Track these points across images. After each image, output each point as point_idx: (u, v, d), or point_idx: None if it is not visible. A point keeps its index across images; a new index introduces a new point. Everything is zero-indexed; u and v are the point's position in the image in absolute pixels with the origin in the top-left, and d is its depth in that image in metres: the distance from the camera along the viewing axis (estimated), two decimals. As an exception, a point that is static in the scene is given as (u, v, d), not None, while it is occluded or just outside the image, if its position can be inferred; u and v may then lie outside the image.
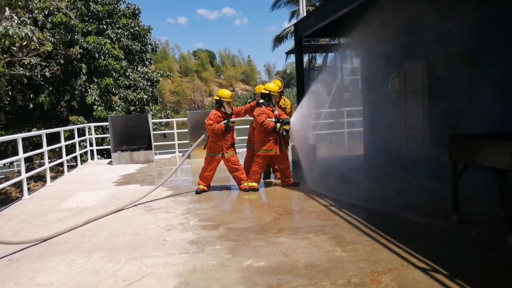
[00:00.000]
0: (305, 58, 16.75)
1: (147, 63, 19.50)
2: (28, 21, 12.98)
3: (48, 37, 13.52)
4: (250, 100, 7.83)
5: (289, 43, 29.04)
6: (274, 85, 6.91)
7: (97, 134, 13.72)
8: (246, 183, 6.79)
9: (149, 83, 17.76)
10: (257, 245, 4.18)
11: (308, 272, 3.47)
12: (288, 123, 6.91)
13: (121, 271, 3.69)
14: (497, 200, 4.60)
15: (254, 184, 6.78)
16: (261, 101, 6.85)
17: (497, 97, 5.47)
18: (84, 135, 12.57)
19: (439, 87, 6.76)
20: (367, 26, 6.96)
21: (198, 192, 6.77)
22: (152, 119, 13.76)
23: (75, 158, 11.55)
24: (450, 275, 3.25)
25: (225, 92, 6.85)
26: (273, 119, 6.70)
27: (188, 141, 11.63)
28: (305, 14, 9.60)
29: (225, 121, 6.68)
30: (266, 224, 4.92)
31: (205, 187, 6.85)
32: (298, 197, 6.33)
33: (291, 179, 7.04)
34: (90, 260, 4.02)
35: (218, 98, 6.81)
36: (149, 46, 19.81)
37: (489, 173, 4.18)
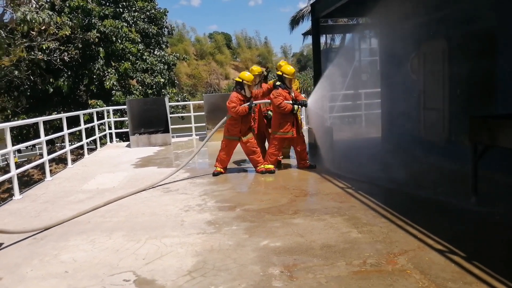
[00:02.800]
0: (323, 39, 16.49)
1: (164, 46, 19.48)
2: (46, 5, 13.09)
3: (66, 21, 13.63)
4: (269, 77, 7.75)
5: (307, 25, 28.66)
6: (289, 68, 6.85)
7: (115, 117, 13.91)
8: (262, 166, 6.81)
9: (165, 67, 17.78)
10: (273, 226, 4.23)
11: (324, 252, 3.50)
12: (306, 105, 6.89)
13: (141, 250, 3.79)
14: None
15: (271, 166, 6.81)
16: (278, 83, 6.83)
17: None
18: (103, 118, 12.77)
19: (460, 68, 6.59)
20: (386, 5, 6.80)
21: (215, 174, 6.83)
22: (169, 102, 13.85)
23: (94, 141, 11.76)
24: (467, 257, 3.23)
25: (247, 75, 6.77)
26: (290, 101, 6.67)
27: (204, 124, 11.70)
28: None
29: (249, 103, 6.69)
30: (282, 206, 4.95)
31: (222, 169, 6.91)
32: (314, 179, 6.34)
33: (308, 161, 7.04)
34: (111, 239, 4.14)
35: (240, 80, 6.72)
36: (165, 29, 19.75)
37: (510, 155, 4.10)
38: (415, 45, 7.72)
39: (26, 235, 4.34)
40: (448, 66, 6.91)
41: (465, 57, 6.42)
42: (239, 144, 6.90)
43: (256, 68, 7.48)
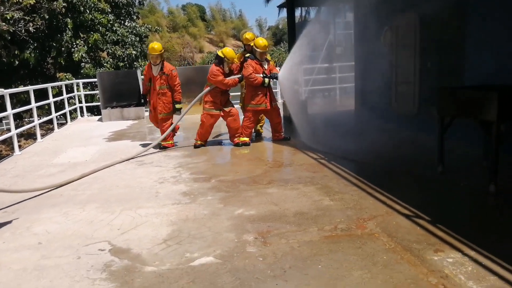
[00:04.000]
0: (298, 12, 16.37)
1: (135, 17, 18.88)
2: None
3: (30, -11, 12.97)
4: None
5: (281, -3, 28.24)
6: (261, 41, 6.81)
7: (86, 91, 13.53)
8: (237, 138, 6.84)
9: (137, 39, 17.29)
10: (248, 196, 4.30)
11: (297, 219, 3.61)
12: (276, 77, 6.90)
13: (116, 221, 3.79)
14: (483, 150, 4.74)
15: (246, 139, 6.84)
16: (247, 55, 6.82)
17: (489, 52, 5.47)
18: (73, 92, 12.40)
19: (431, 41, 6.72)
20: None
21: (196, 146, 6.82)
22: (142, 75, 13.54)
23: (64, 115, 11.45)
24: (432, 221, 3.40)
25: (230, 53, 6.66)
26: (261, 74, 6.66)
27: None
28: (297, -35, 9.27)
29: (239, 76, 6.70)
30: (257, 176, 5.02)
31: (202, 142, 6.90)
32: (288, 151, 6.43)
33: (282, 133, 7.10)
34: (84, 211, 4.11)
35: (222, 56, 6.61)
36: (136, -1, 19.12)
37: (475, 126, 4.27)
38: (388, 18, 7.78)
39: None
40: (419, 40, 7.02)
41: (435, 30, 6.53)
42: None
43: (246, 34, 7.31)
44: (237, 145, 6.80)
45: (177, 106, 6.97)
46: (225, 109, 6.73)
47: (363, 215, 3.62)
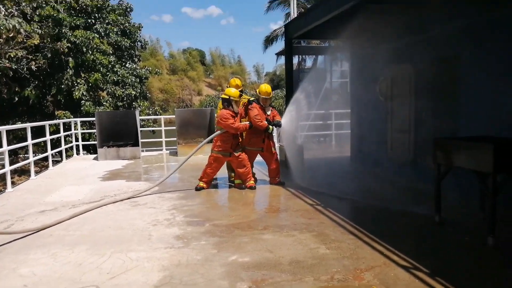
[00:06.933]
0: (295, 60, 16.83)
1: (136, 59, 19.35)
2: (16, 13, 12.78)
3: (36, 30, 13.34)
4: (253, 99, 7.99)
5: (280, 45, 29.20)
6: (265, 87, 7.01)
7: (83, 129, 13.57)
8: (251, 181, 6.78)
9: (137, 80, 17.62)
10: (242, 241, 4.21)
11: (292, 268, 3.51)
12: (280, 125, 7.03)
13: (105, 264, 3.67)
14: (479, 202, 4.72)
15: (252, 182, 6.83)
16: (252, 98, 7.00)
17: (482, 102, 5.60)
18: (70, 130, 12.43)
19: (425, 91, 6.88)
20: (357, 29, 7.04)
21: (197, 189, 6.74)
22: (140, 115, 13.68)
23: (60, 153, 11.40)
24: (431, 273, 3.32)
25: (233, 91, 6.67)
26: (265, 120, 6.77)
27: (175, 138, 11.60)
28: (296, 15, 9.66)
29: (249, 122, 6.75)
30: (252, 221, 4.94)
31: (205, 185, 6.81)
32: (284, 196, 6.38)
33: (277, 178, 7.09)
34: (74, 253, 3.99)
35: (227, 97, 6.63)
36: (139, 43, 19.66)
37: (471, 175, 4.28)
38: (384, 69, 8.02)
39: (-18, 248, 4.13)
40: (414, 90, 7.20)
41: (429, 80, 6.71)
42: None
43: (233, 81, 7.38)
44: (250, 188, 6.70)
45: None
46: (234, 153, 6.73)
47: (360, 265, 3.53)
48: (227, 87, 7.36)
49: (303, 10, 20.91)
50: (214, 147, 6.74)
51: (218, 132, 6.69)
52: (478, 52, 5.73)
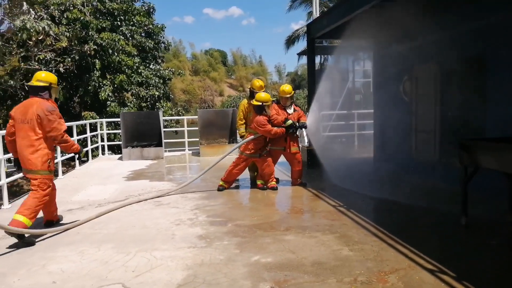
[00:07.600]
0: (317, 59, 16.73)
1: (159, 60, 19.64)
2: (45, 16, 13.17)
3: (64, 32, 13.71)
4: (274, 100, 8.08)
5: (302, 45, 29.09)
6: (286, 87, 7.12)
7: (108, 129, 13.87)
8: (273, 182, 6.83)
9: (161, 81, 17.88)
10: (265, 242, 4.22)
11: (315, 269, 3.50)
12: (305, 126, 7.05)
13: (131, 262, 3.75)
14: (508, 204, 4.59)
15: (274, 183, 6.86)
16: (274, 99, 7.09)
17: (509, 102, 5.45)
18: (96, 130, 12.73)
19: (451, 91, 6.73)
20: (380, 28, 6.96)
21: (220, 189, 6.81)
22: (163, 116, 13.87)
23: (86, 153, 11.68)
24: (457, 277, 3.25)
25: (263, 95, 6.73)
26: (290, 120, 6.80)
27: (198, 139, 11.72)
28: (318, 15, 9.60)
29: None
30: (274, 222, 4.95)
31: (226, 185, 6.88)
32: (306, 197, 6.36)
33: (299, 179, 7.06)
34: (100, 250, 4.09)
35: (260, 103, 6.66)
36: (162, 44, 19.94)
37: (500, 177, 4.17)
38: (408, 68, 7.88)
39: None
40: (439, 89, 7.05)
41: (456, 81, 6.56)
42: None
43: (257, 81, 7.41)
44: (272, 188, 6.73)
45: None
46: (263, 154, 6.83)
47: (384, 268, 3.49)
48: (249, 88, 7.41)
49: (325, 8, 20.79)
50: (246, 150, 6.79)
51: (252, 136, 6.75)
52: (506, 50, 5.57)
